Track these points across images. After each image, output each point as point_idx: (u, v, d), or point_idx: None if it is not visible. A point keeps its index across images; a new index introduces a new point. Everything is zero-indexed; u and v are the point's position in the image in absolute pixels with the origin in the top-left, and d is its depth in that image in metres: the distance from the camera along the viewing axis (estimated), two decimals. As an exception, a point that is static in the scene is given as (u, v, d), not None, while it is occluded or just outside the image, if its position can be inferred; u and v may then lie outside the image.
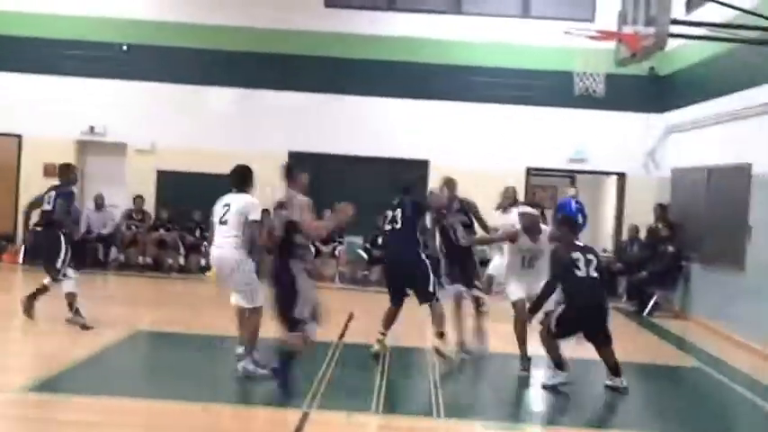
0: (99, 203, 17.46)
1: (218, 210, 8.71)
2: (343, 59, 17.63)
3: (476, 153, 17.35)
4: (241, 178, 8.81)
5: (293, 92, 17.63)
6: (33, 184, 17.13)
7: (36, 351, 9.83)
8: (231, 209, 8.58)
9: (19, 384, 7.88)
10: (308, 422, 7.22)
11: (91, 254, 17.06)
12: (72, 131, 17.67)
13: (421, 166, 17.31)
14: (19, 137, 17.74)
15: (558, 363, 9.00)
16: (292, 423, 7.16)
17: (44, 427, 6.93)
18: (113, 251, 17.47)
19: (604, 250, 17.75)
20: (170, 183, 17.50)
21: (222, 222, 8.61)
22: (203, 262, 16.40)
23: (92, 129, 17.68)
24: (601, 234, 19.28)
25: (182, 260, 17.31)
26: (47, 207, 10.93)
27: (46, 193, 11.12)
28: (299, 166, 8.53)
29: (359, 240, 17.23)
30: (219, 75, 17.61)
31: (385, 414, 7.75)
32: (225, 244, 8.57)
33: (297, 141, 17.41)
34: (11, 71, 17.65)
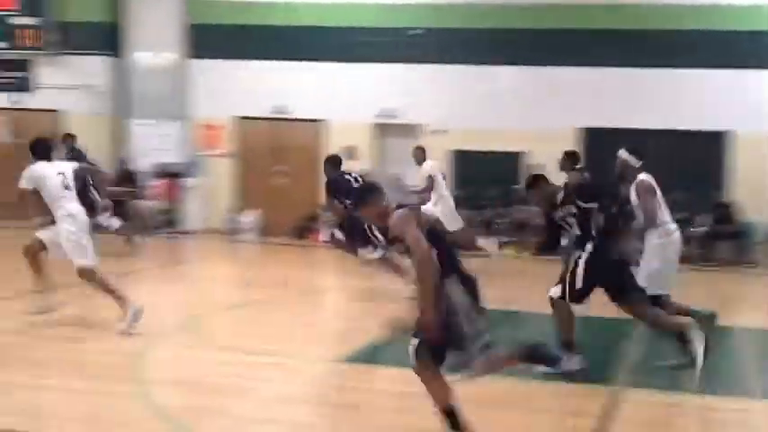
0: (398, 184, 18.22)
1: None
2: (625, 30, 17.13)
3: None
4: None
5: (579, 67, 17.30)
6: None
7: (345, 325, 10.51)
8: None
9: (336, 355, 8.51)
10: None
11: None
12: (368, 115, 18.50)
13: (715, 138, 16.65)
14: (321, 122, 18.85)
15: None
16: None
17: (359, 396, 7.44)
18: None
19: None
20: (463, 162, 17.91)
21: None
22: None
23: (387, 112, 18.46)
24: None
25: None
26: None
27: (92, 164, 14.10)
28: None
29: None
30: (507, 53, 17.69)
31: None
32: None
33: (584, 118, 17.19)
34: (311, 60, 18.58)
